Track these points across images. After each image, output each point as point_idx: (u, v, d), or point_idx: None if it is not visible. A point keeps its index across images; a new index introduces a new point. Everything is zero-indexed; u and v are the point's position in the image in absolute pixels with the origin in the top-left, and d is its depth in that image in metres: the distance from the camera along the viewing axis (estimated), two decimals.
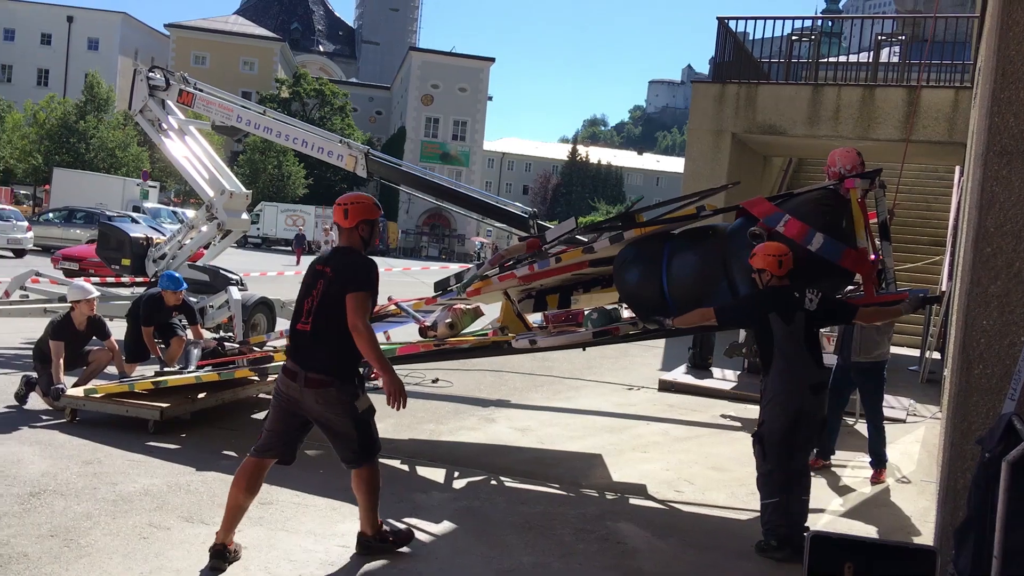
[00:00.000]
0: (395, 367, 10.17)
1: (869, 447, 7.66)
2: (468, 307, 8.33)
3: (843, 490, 7.29)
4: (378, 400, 4.98)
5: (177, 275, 9.35)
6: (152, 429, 7.38)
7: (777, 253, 5.58)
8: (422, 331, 8.22)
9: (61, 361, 7.98)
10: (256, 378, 8.76)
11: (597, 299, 8.36)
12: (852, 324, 7.55)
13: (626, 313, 7.61)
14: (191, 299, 9.95)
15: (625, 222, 7.00)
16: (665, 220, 6.92)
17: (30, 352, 10.79)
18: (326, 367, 4.75)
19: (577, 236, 7.59)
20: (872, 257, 6.09)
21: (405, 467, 7.05)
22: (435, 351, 7.81)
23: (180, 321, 9.49)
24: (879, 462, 7.59)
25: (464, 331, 8.36)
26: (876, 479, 7.53)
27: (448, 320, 7.98)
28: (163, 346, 9.25)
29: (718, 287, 6.20)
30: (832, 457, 7.96)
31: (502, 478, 6.92)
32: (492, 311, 8.29)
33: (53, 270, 15.97)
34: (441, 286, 8.65)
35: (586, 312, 7.55)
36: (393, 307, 9.31)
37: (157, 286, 9.30)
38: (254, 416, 8.49)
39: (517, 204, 10.94)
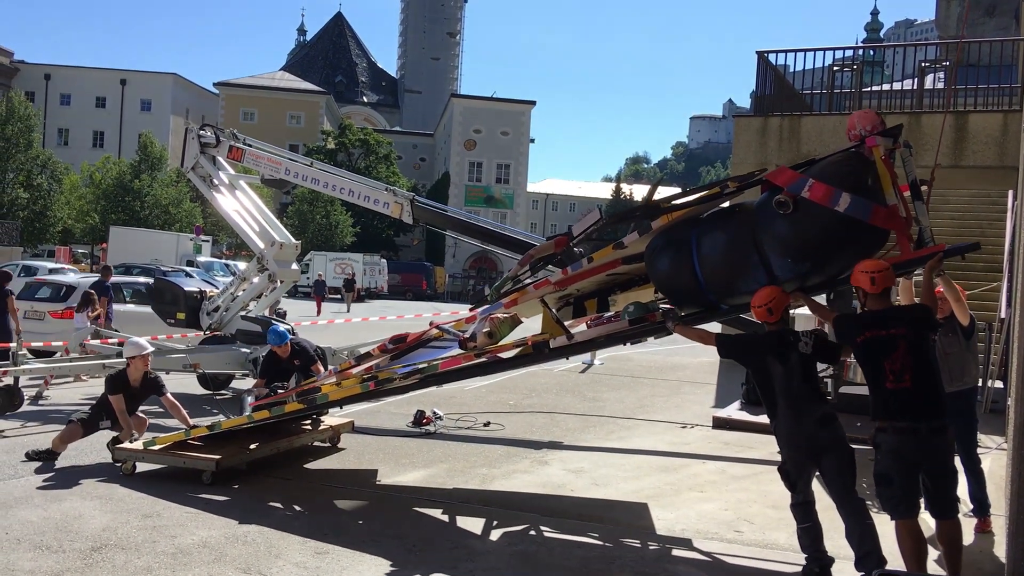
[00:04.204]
0: (441, 386, 10.19)
1: (969, 494, 6.81)
2: (505, 316, 8.26)
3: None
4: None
5: (281, 330, 9.79)
6: (208, 480, 7.45)
7: (765, 302, 5.65)
8: (462, 344, 8.13)
9: (124, 411, 8.24)
10: (309, 426, 8.82)
11: (636, 297, 8.03)
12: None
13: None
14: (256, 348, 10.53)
15: (649, 210, 6.88)
16: (690, 203, 6.78)
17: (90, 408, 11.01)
18: None
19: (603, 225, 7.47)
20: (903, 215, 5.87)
21: (459, 513, 7.02)
22: (477, 364, 7.75)
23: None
24: (982, 509, 6.84)
25: (503, 340, 8.30)
26: (981, 528, 6.80)
27: (486, 329, 7.89)
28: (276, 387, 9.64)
29: (750, 262, 6.06)
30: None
31: (557, 521, 6.85)
32: (531, 327, 8.20)
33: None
34: (477, 298, 8.62)
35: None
36: (435, 331, 9.30)
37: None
38: (307, 466, 8.53)
39: None
